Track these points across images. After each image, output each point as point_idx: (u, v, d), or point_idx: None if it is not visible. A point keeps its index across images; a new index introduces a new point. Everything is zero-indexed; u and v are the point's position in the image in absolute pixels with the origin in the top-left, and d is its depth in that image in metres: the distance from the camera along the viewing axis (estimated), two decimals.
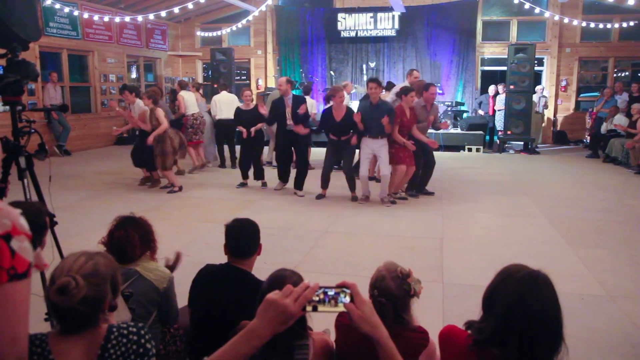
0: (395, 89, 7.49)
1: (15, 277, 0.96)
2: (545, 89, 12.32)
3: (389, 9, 12.48)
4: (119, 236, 2.33)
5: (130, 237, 2.34)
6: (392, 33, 13.18)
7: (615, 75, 12.82)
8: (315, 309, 1.10)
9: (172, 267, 2.67)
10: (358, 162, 6.69)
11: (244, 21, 13.29)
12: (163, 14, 11.95)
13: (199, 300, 2.37)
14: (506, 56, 11.41)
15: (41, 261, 1.24)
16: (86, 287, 1.36)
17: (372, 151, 6.32)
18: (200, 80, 15.13)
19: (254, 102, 7.65)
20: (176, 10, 11.84)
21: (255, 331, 1.09)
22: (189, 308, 2.44)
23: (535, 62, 11.38)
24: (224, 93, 8.84)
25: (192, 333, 2.38)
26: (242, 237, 2.38)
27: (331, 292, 1.11)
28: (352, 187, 6.68)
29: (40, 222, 2.01)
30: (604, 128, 10.49)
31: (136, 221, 2.43)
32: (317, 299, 1.10)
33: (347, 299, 1.11)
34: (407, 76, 7.80)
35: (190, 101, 8.58)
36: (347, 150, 6.52)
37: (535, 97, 11.35)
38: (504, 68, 11.64)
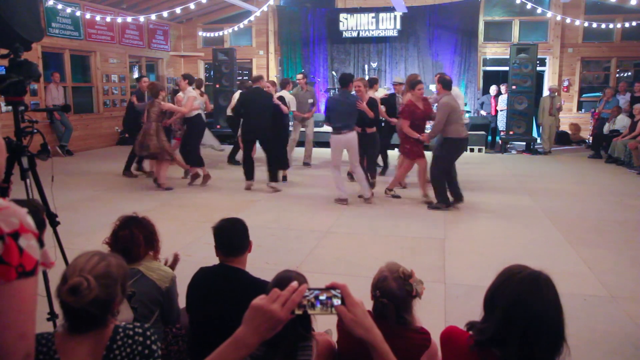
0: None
1: (24, 275, 0.97)
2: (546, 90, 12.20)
3: (390, 9, 12.47)
4: (124, 236, 2.34)
5: (135, 237, 2.35)
6: (394, 33, 13.18)
7: (617, 75, 12.80)
8: (305, 312, 1.05)
9: (170, 268, 2.68)
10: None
11: (245, 21, 13.30)
12: (165, 14, 11.96)
13: (196, 304, 2.36)
14: (508, 56, 11.39)
15: (47, 259, 1.25)
16: (97, 288, 1.36)
17: (343, 146, 6.27)
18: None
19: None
20: (178, 10, 11.86)
21: (241, 340, 1.05)
22: (187, 312, 2.44)
23: (537, 62, 11.36)
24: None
25: (192, 336, 2.38)
26: (232, 234, 2.38)
27: (322, 295, 1.06)
28: (368, 184, 6.57)
29: (38, 220, 2.02)
30: (606, 128, 10.47)
31: (140, 221, 2.45)
32: (306, 302, 1.05)
33: (338, 302, 1.06)
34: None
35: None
36: (370, 144, 6.72)
37: (548, 100, 10.97)
38: (506, 68, 11.63)
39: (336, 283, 1.08)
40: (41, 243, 1.05)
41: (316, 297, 1.05)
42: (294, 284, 1.06)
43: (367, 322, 1.09)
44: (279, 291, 1.04)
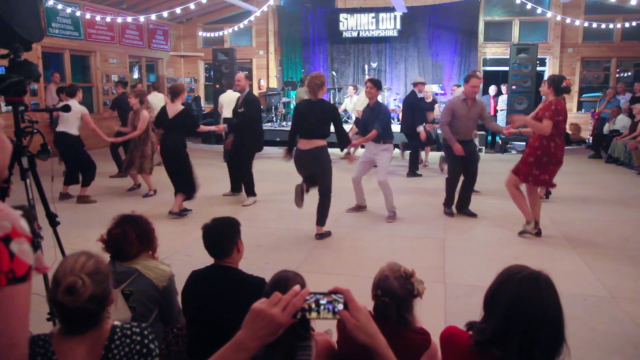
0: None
1: (14, 281, 0.94)
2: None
3: (390, 9, 12.48)
4: (116, 234, 2.34)
5: (127, 235, 2.34)
6: (394, 33, 13.18)
7: (617, 75, 12.80)
8: (305, 317, 1.03)
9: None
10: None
11: (245, 21, 13.30)
12: (165, 14, 11.95)
13: (193, 307, 2.35)
14: (508, 56, 11.39)
15: (42, 264, 1.23)
16: (92, 285, 1.38)
17: (372, 155, 5.81)
18: (202, 80, 15.16)
19: None
20: (178, 10, 11.85)
21: (242, 343, 1.02)
22: (184, 316, 2.44)
23: (537, 62, 11.36)
24: (229, 92, 8.85)
25: (190, 336, 2.37)
26: (216, 237, 2.37)
27: (324, 300, 1.03)
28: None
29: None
30: (606, 128, 10.48)
31: (135, 220, 2.44)
32: (308, 306, 1.02)
33: (341, 306, 1.03)
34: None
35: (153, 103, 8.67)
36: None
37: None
38: (506, 68, 11.62)
39: (339, 288, 1.05)
40: (35, 247, 1.03)
41: (318, 302, 1.03)
42: (296, 287, 1.04)
43: (370, 327, 1.07)
44: (280, 295, 1.02)
